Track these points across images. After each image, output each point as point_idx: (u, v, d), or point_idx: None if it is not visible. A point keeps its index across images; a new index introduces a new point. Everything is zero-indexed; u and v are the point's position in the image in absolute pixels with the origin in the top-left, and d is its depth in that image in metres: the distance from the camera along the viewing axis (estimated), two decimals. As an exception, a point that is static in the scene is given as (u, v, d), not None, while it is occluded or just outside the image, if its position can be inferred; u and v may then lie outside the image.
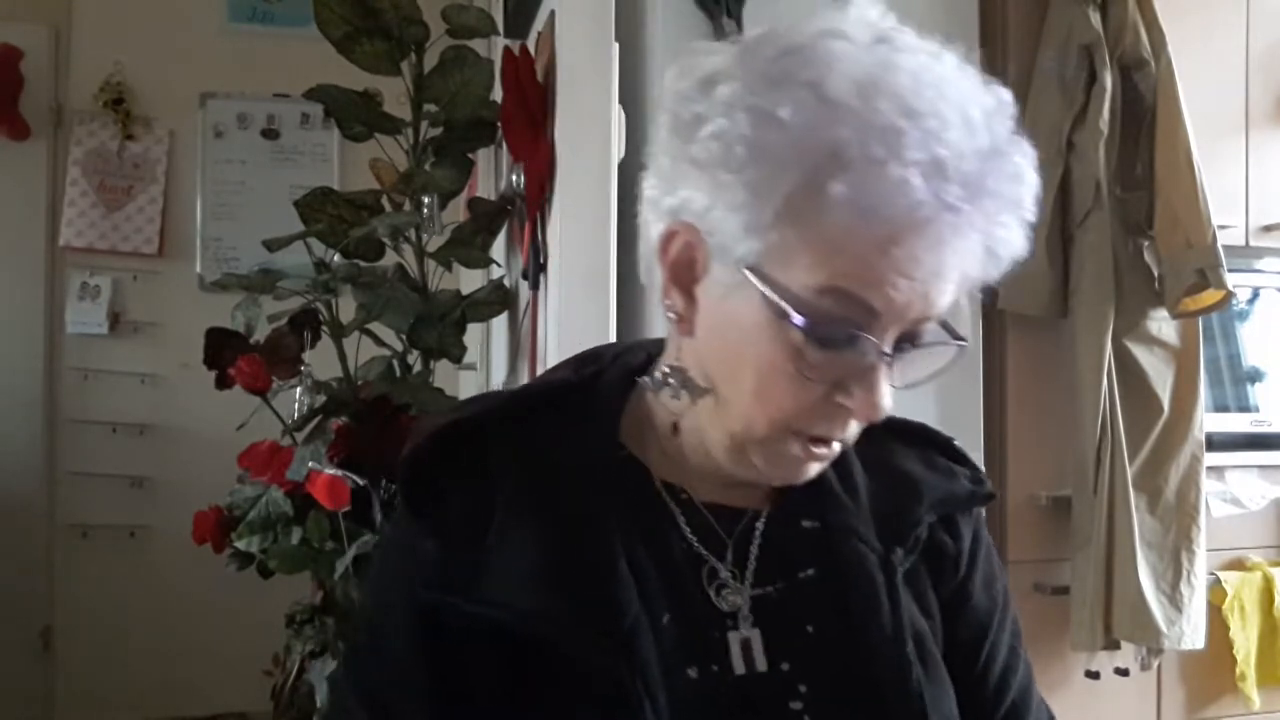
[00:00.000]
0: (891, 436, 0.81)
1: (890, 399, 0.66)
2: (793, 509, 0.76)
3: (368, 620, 0.78)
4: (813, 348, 0.63)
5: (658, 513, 0.74)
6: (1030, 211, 0.65)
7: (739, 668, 0.70)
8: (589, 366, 0.80)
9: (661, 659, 0.67)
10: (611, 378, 0.77)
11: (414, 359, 1.95)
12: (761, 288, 0.63)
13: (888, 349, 0.64)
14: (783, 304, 0.62)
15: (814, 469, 0.70)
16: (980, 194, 0.61)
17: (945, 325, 0.67)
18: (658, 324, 0.76)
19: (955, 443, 0.83)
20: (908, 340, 0.65)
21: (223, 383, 1.81)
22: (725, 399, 0.68)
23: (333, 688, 0.82)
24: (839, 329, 0.63)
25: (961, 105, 0.62)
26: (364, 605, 0.83)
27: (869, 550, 0.73)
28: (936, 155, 0.60)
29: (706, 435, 0.71)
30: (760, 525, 0.75)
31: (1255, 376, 2.26)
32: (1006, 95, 0.65)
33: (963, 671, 0.76)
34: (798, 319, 0.62)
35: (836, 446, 0.69)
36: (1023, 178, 0.64)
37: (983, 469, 0.83)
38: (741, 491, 0.75)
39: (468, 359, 2.07)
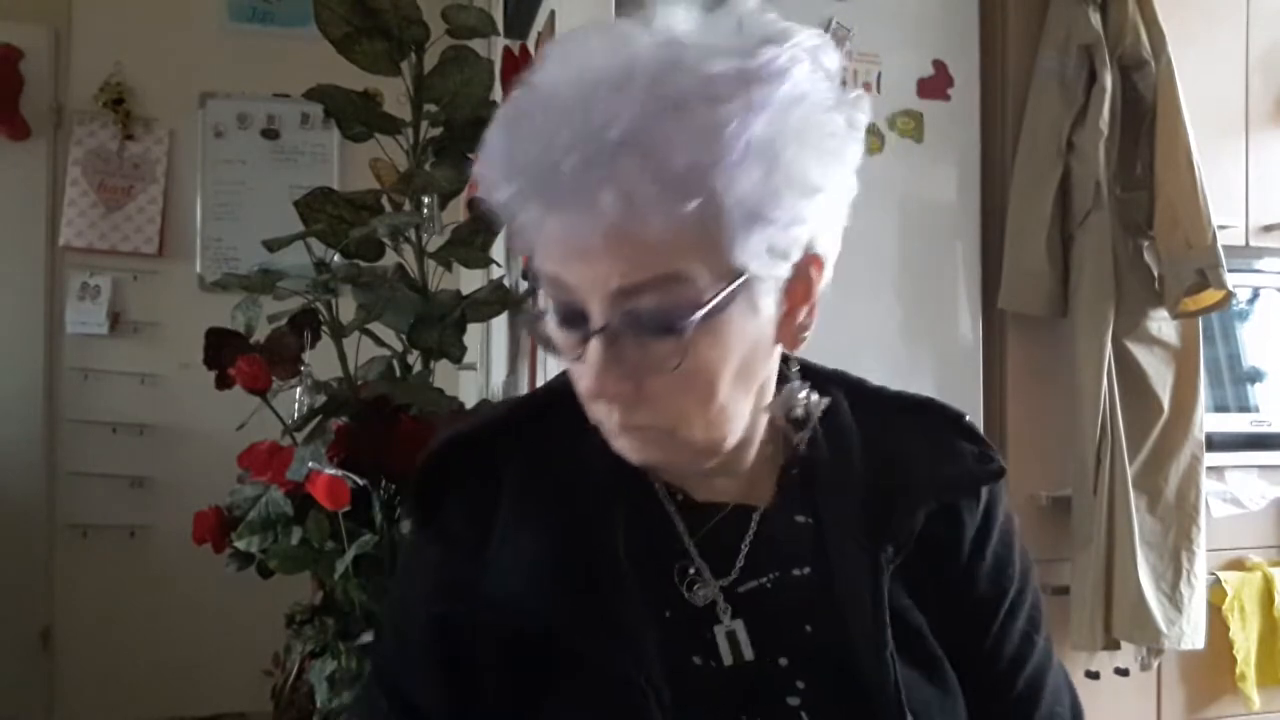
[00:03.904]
0: (899, 411, 0.79)
1: (612, 381, 0.64)
2: (788, 503, 0.76)
3: (393, 620, 0.80)
4: (557, 327, 0.67)
5: (656, 512, 0.75)
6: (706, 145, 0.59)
7: (727, 659, 0.71)
8: None
9: (666, 652, 0.68)
10: None
11: (414, 359, 1.95)
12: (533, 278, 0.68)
13: (596, 323, 0.64)
14: (534, 286, 0.68)
15: (639, 448, 0.69)
16: (596, 163, 0.59)
17: (678, 311, 0.63)
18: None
19: (965, 418, 0.80)
20: (632, 319, 0.63)
21: (223, 383, 1.81)
22: None
23: (367, 676, 0.85)
24: (556, 305, 0.66)
25: (593, 84, 0.60)
26: (390, 602, 0.84)
27: (859, 549, 0.73)
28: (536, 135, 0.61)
29: None
30: (756, 519, 0.75)
31: (1255, 376, 2.26)
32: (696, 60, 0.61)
33: (968, 658, 0.75)
34: (539, 299, 0.67)
35: (638, 435, 0.68)
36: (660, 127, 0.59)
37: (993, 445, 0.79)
38: (739, 488, 0.76)
39: (468, 359, 2.07)
